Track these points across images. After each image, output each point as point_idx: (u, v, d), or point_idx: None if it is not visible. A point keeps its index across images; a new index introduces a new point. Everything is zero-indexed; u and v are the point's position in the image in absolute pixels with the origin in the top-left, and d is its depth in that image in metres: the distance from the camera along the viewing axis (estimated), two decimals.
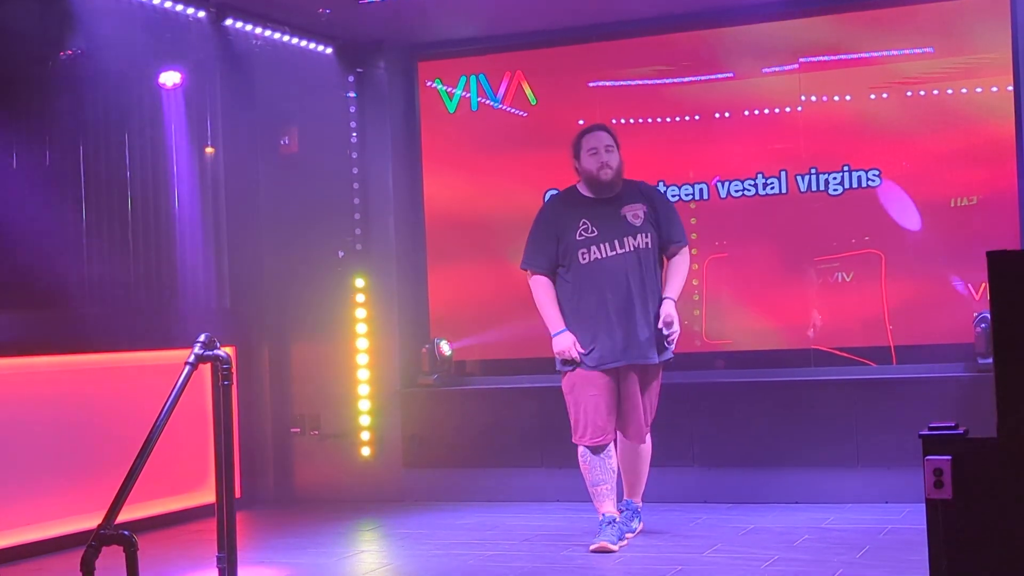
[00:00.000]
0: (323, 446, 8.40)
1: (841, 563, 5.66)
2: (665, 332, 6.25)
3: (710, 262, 7.88)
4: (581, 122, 8.14)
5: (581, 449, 6.31)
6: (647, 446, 6.46)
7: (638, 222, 6.29)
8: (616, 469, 6.37)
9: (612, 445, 6.34)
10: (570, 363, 6.30)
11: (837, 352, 7.64)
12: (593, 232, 6.28)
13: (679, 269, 6.41)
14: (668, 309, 6.26)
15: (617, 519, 6.29)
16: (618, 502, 6.40)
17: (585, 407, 6.27)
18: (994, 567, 3.05)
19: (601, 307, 6.26)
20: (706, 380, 7.69)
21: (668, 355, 6.37)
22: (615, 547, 6.17)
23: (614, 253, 6.26)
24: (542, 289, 6.40)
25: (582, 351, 6.26)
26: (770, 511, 7.11)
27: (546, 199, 6.65)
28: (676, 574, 5.62)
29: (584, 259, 6.28)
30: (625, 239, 6.27)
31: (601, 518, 6.28)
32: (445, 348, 8.22)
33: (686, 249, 6.46)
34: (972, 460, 3.08)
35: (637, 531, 6.52)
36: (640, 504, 6.58)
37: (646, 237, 6.28)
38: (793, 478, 7.40)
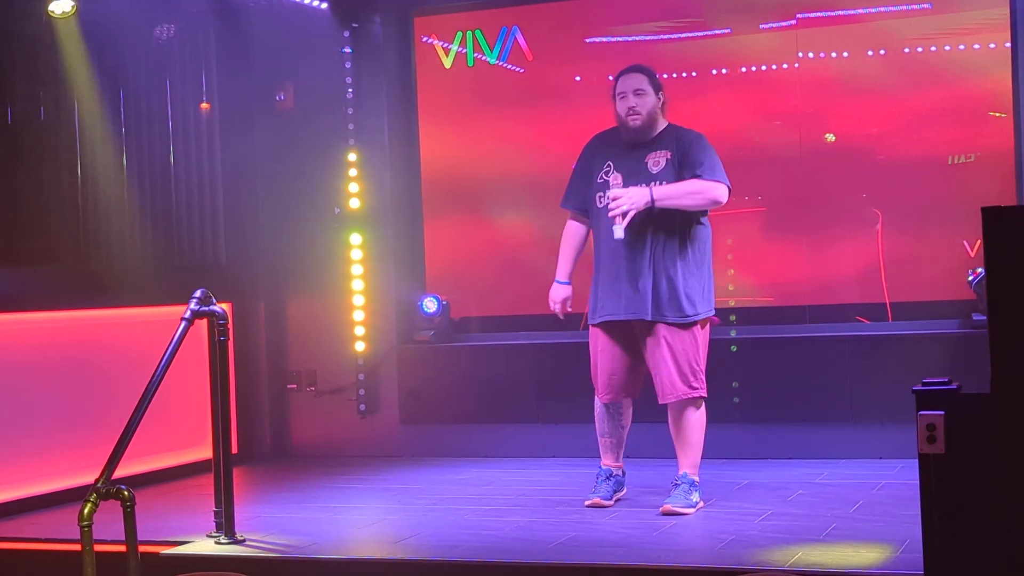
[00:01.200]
0: (320, 402, 8.42)
1: (834, 517, 5.69)
2: (611, 204, 5.87)
3: (719, 218, 7.86)
4: (578, 78, 8.15)
5: (596, 399, 6.29)
6: (689, 413, 6.02)
7: (657, 169, 5.97)
8: (625, 426, 6.29)
9: (627, 401, 6.24)
10: (590, 315, 6.18)
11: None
12: (615, 176, 6.02)
13: (685, 183, 5.90)
14: (630, 189, 5.87)
15: (615, 473, 6.28)
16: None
17: (594, 364, 6.23)
18: (985, 520, 3.07)
19: (608, 258, 6.06)
20: None
21: (664, 314, 5.95)
22: (609, 502, 6.17)
23: None
24: (566, 230, 6.32)
25: (567, 311, 6.23)
26: (764, 466, 7.14)
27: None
28: (670, 528, 5.65)
29: (600, 202, 6.07)
30: (640, 186, 5.93)
31: (598, 471, 6.30)
32: (427, 306, 8.19)
33: (711, 183, 5.89)
34: (965, 415, 3.10)
35: (689, 507, 5.95)
36: (689, 476, 6.04)
37: (661, 185, 5.94)
38: (787, 434, 7.43)
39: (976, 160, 7.41)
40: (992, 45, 7.35)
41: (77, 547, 4.88)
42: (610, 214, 5.88)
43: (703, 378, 6.05)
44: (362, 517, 6.48)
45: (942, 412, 3.12)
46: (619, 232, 5.87)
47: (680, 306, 5.96)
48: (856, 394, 7.28)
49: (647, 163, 6.03)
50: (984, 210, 3.05)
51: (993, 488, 3.07)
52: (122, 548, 4.99)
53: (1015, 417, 3.07)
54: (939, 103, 7.47)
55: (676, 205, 5.91)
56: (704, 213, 6.08)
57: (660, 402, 6.08)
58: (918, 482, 3.12)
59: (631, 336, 6.13)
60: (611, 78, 6.28)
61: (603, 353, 6.18)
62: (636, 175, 6.00)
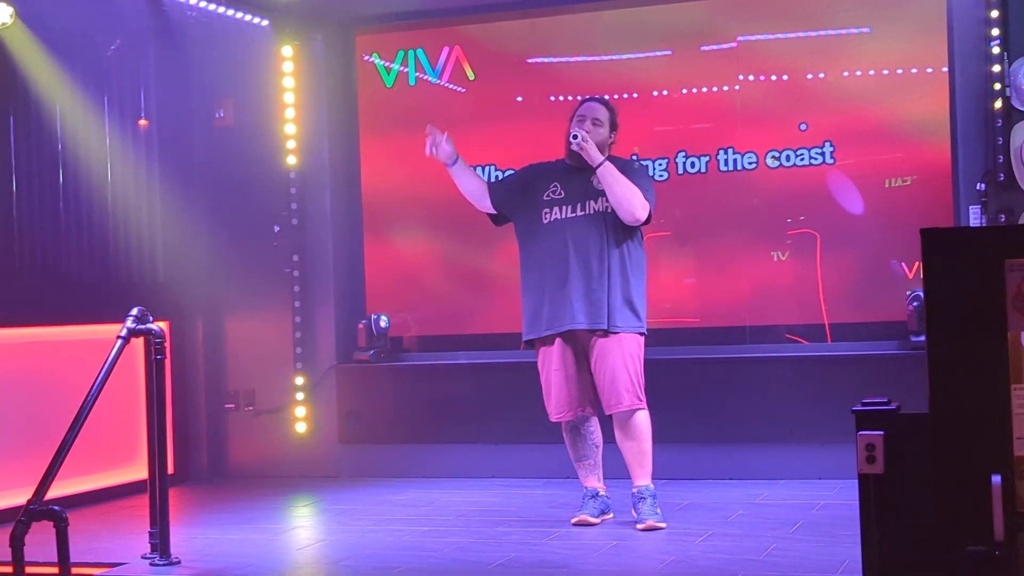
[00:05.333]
0: (258, 422, 8.35)
1: (774, 537, 5.71)
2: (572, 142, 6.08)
3: (647, 240, 7.88)
4: (519, 99, 8.15)
5: (563, 425, 6.29)
6: (640, 421, 6.11)
7: (602, 187, 6.13)
8: (599, 445, 6.31)
9: (594, 420, 6.27)
10: (530, 330, 6.21)
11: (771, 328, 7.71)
12: (560, 194, 6.20)
13: (627, 183, 6.05)
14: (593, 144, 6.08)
15: (600, 493, 6.28)
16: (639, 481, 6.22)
17: (547, 384, 6.25)
18: (924, 540, 3.08)
19: (556, 271, 6.14)
20: None
21: (618, 324, 6.06)
22: (596, 520, 6.18)
23: (574, 215, 6.15)
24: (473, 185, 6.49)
25: (433, 142, 6.42)
26: (704, 487, 7.16)
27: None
28: (610, 549, 5.64)
29: (546, 219, 6.21)
30: (588, 202, 6.13)
31: (584, 492, 6.30)
32: (384, 323, 8.18)
33: (642, 198, 6.06)
34: (904, 436, 3.11)
35: (662, 520, 6.07)
36: (650, 488, 6.14)
37: (607, 201, 6.10)
38: (727, 454, 7.45)
39: (913, 183, 7.49)
40: (929, 70, 7.43)
41: (9, 568, 4.80)
42: (573, 131, 6.09)
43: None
44: (300, 538, 6.43)
45: (881, 432, 3.12)
46: (626, 320, 6.09)
47: (633, 316, 6.12)
48: (795, 414, 7.32)
49: (592, 181, 6.16)
50: (923, 232, 3.06)
51: (932, 508, 3.08)
52: (55, 570, 4.91)
53: (953, 437, 3.08)
54: (877, 126, 7.54)
55: (609, 186, 6.06)
56: (642, 236, 6.25)
57: (610, 412, 6.13)
58: (857, 502, 3.12)
59: (578, 348, 6.18)
60: (579, 98, 6.44)
61: (557, 371, 6.20)
62: (581, 192, 6.16)
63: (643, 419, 6.14)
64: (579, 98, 6.53)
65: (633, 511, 6.17)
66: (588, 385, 6.22)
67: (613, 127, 6.28)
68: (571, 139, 6.09)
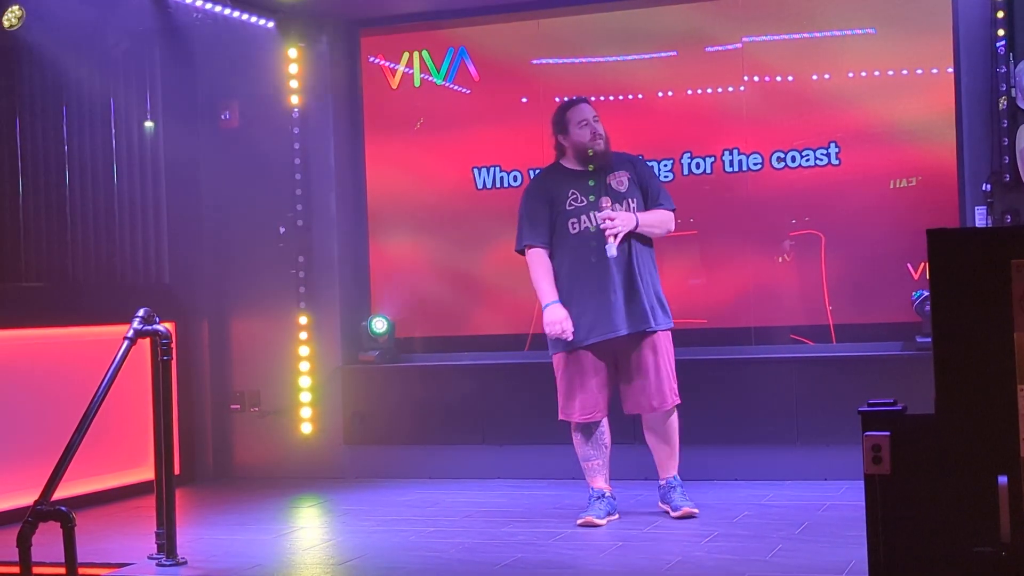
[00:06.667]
0: (263, 423, 8.35)
1: (780, 538, 5.71)
2: (605, 224, 6.15)
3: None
4: (524, 100, 8.15)
5: (572, 425, 6.34)
6: (674, 419, 6.37)
7: (623, 188, 6.27)
8: (608, 446, 6.37)
9: (605, 421, 6.34)
10: (560, 343, 6.23)
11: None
12: (582, 202, 6.26)
13: (656, 213, 6.31)
14: (621, 212, 6.19)
15: (607, 494, 6.32)
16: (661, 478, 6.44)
17: (573, 383, 6.28)
18: (930, 541, 3.08)
19: (587, 278, 6.22)
20: None
21: (660, 322, 6.25)
22: (602, 521, 6.21)
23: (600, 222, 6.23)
24: (536, 261, 6.29)
25: (571, 330, 6.17)
26: (710, 488, 7.15)
27: (532, 177, 6.59)
28: (616, 549, 5.65)
29: (573, 229, 6.27)
30: (613, 207, 6.22)
31: (590, 492, 6.33)
32: (377, 326, 8.16)
33: (670, 214, 6.37)
34: (910, 436, 3.11)
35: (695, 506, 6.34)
36: (679, 478, 6.43)
37: (632, 202, 6.25)
38: (733, 455, 7.45)
39: (918, 184, 7.48)
40: (935, 70, 7.43)
41: (16, 569, 4.81)
42: (607, 233, 6.13)
43: None
44: (306, 539, 6.43)
45: (887, 433, 3.13)
46: (612, 251, 6.15)
47: (664, 313, 6.33)
48: (801, 415, 7.32)
49: (610, 184, 6.28)
50: (929, 232, 3.07)
51: (938, 509, 3.08)
52: (62, 570, 4.91)
53: (960, 438, 3.09)
54: (882, 127, 7.53)
55: (648, 231, 6.31)
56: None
57: (653, 411, 6.30)
58: (863, 503, 3.13)
59: (609, 353, 6.27)
60: (563, 107, 6.46)
61: (591, 376, 6.25)
62: (603, 196, 6.24)
63: (675, 416, 6.41)
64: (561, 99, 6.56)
65: (662, 503, 6.39)
66: (613, 388, 6.34)
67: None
68: (611, 239, 6.13)
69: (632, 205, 6.26)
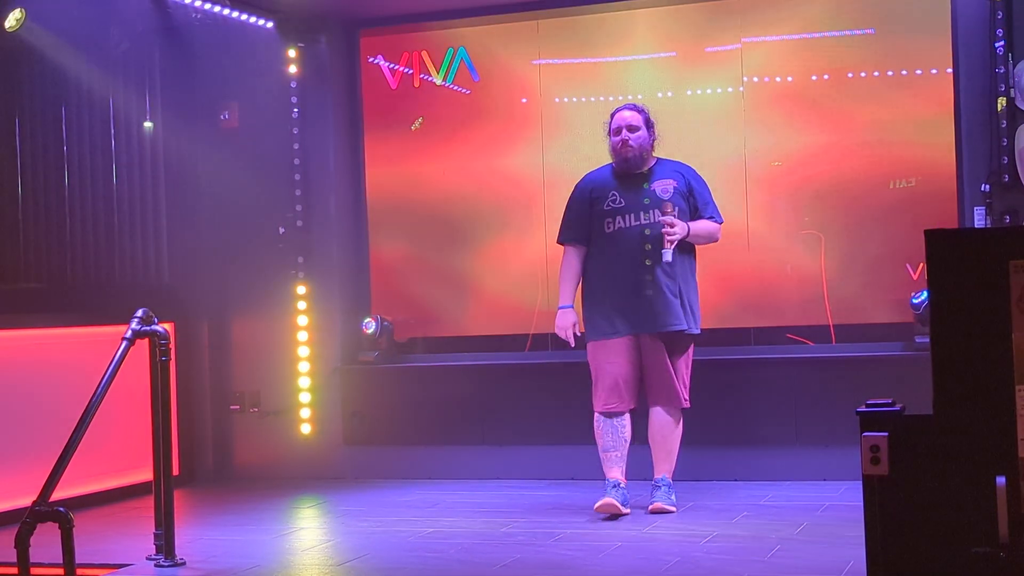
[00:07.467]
0: (263, 423, 8.35)
1: (779, 539, 5.71)
2: (666, 229, 6.31)
3: None
4: (524, 100, 8.15)
5: (596, 414, 6.50)
6: (679, 422, 6.58)
7: (666, 195, 6.44)
8: (628, 440, 6.52)
9: (628, 416, 6.50)
10: (596, 332, 6.47)
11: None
12: (620, 203, 6.48)
13: (704, 224, 6.53)
14: (679, 220, 6.37)
15: (622, 485, 6.45)
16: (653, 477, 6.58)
17: (601, 375, 6.48)
18: (928, 541, 3.09)
19: (620, 276, 6.44)
20: None
21: (686, 324, 6.43)
22: (625, 510, 6.36)
23: (638, 223, 6.43)
24: (565, 260, 6.62)
25: (576, 335, 6.50)
26: (709, 488, 7.16)
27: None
28: (615, 550, 5.65)
29: (609, 228, 6.48)
30: (652, 211, 6.42)
31: (606, 482, 6.46)
32: (366, 328, 8.15)
33: (718, 227, 6.61)
34: (909, 437, 3.11)
35: (673, 505, 6.50)
36: (668, 479, 6.58)
37: (673, 209, 6.38)
38: (732, 455, 7.45)
39: (917, 184, 7.48)
40: (934, 71, 7.43)
41: (14, 570, 4.80)
42: (666, 239, 6.30)
43: None
44: (305, 539, 6.43)
45: (886, 434, 3.13)
46: (668, 255, 6.34)
47: (695, 320, 6.55)
48: (800, 416, 7.32)
49: (655, 190, 6.48)
50: (928, 233, 3.07)
51: (937, 509, 3.08)
52: (60, 571, 4.92)
53: (958, 438, 3.09)
54: (881, 128, 7.53)
55: (695, 240, 6.56)
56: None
57: (670, 407, 6.50)
58: (862, 503, 3.13)
59: (637, 348, 6.47)
60: (613, 111, 6.65)
61: (611, 366, 6.44)
62: (643, 200, 6.46)
63: (680, 420, 6.61)
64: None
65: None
66: (639, 384, 6.54)
67: (649, 127, 6.58)
68: (668, 244, 6.30)
69: (673, 212, 6.39)
